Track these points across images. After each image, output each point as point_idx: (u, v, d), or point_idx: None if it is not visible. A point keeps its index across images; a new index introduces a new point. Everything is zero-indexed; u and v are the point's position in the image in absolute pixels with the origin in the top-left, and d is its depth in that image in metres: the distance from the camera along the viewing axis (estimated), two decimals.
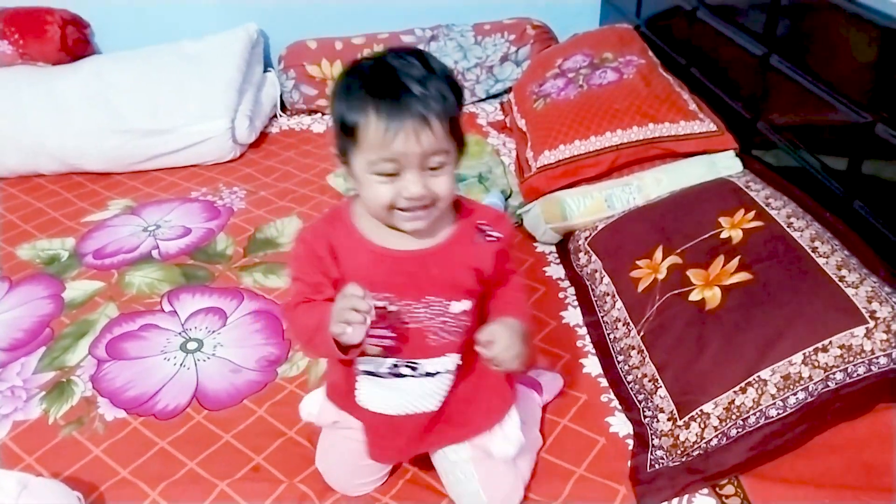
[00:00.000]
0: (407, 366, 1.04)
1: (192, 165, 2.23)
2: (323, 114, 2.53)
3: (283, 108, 2.56)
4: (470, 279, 1.02)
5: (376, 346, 1.00)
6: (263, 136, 2.40)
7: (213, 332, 1.52)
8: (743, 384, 1.14)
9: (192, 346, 1.49)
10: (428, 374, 1.05)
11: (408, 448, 1.14)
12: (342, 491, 1.17)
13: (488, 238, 1.03)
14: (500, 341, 0.98)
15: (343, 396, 1.11)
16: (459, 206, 1.03)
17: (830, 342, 1.12)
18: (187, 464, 1.23)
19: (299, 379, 1.40)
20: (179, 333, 1.52)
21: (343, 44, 2.54)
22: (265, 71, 2.57)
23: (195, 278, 1.69)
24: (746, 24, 1.70)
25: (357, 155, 0.91)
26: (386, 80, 0.89)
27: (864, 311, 1.13)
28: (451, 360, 1.06)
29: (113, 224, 1.94)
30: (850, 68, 1.35)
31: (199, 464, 1.23)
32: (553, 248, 1.76)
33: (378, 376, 1.06)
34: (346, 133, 0.91)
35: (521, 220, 1.80)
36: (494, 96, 2.55)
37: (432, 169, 0.91)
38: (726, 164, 1.69)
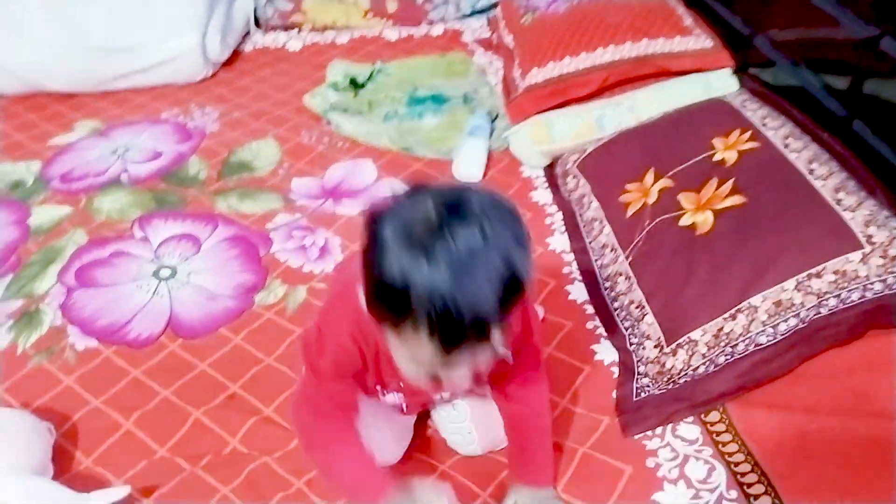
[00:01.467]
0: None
1: (162, 85, 2.11)
2: (299, 29, 2.40)
3: (257, 23, 2.43)
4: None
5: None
6: (236, 54, 2.28)
7: (187, 258, 1.47)
8: (733, 311, 1.10)
9: (165, 273, 1.43)
10: None
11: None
12: (386, 460, 1.04)
13: None
14: None
15: None
16: None
17: (825, 267, 1.08)
18: (161, 393, 1.20)
19: (277, 306, 1.36)
20: (152, 260, 1.47)
21: None
22: None
23: (167, 203, 1.62)
24: None
25: (394, 338, 0.76)
26: (446, 311, 0.68)
27: (860, 235, 1.09)
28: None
29: (80, 147, 1.85)
30: None
31: (173, 393, 1.20)
32: (541, 173, 1.70)
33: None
34: (383, 308, 0.73)
35: (508, 143, 1.73)
36: (481, 11, 2.42)
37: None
38: (722, 83, 1.61)
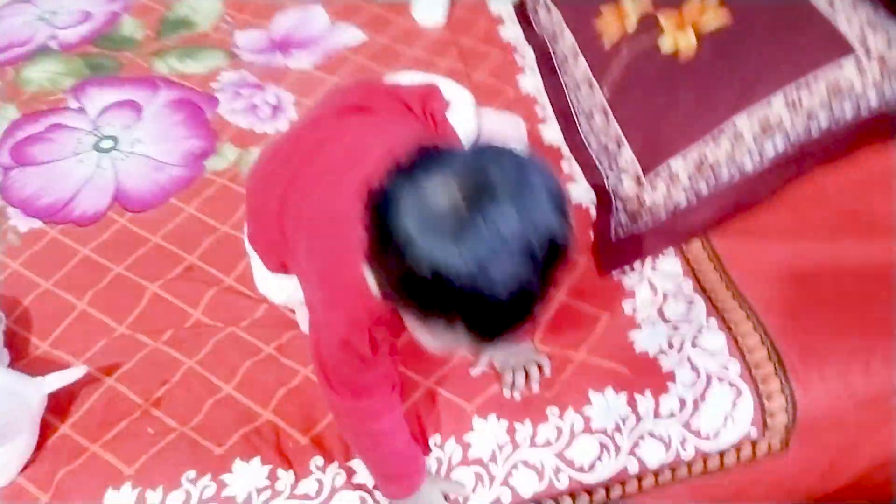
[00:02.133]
0: None
1: None
2: None
3: None
4: None
5: None
6: None
7: (129, 127, 1.35)
8: (715, 132, 1.02)
9: (106, 144, 1.32)
10: None
11: None
12: None
13: None
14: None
15: None
16: None
17: (815, 79, 0.98)
18: (114, 269, 1.13)
19: (230, 171, 1.26)
20: (91, 132, 1.35)
21: None
22: None
23: (102, 69, 1.48)
24: None
25: (423, 325, 0.66)
26: (491, 301, 0.59)
27: (854, 40, 0.99)
28: None
29: (1, 15, 1.67)
30: None
31: (127, 268, 1.13)
32: (510, 7, 1.55)
33: None
34: (413, 306, 0.64)
35: None
36: None
37: None
38: None
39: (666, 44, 1.14)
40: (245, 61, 1.47)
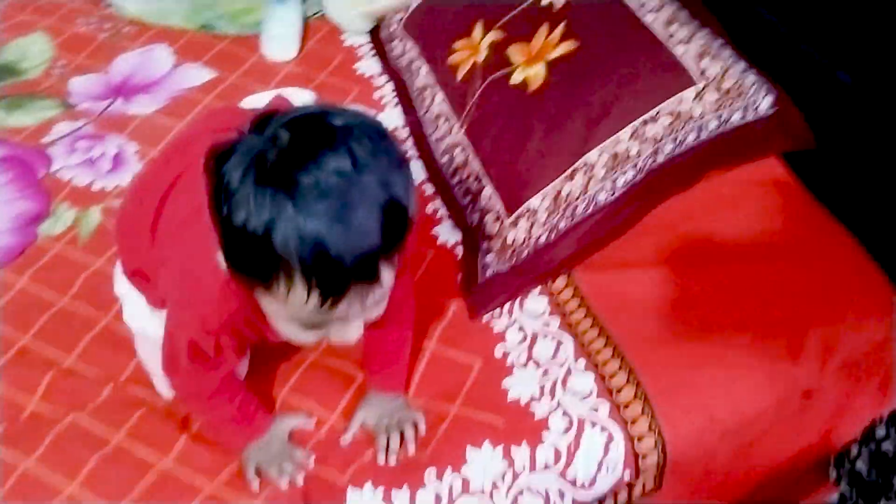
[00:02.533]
0: None
1: None
2: None
3: None
4: None
5: None
6: None
7: None
8: (569, 171, 1.02)
9: None
10: None
11: None
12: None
13: None
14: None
15: None
16: None
17: (658, 111, 1.01)
18: None
19: (67, 235, 1.15)
20: None
21: None
22: None
23: None
24: None
25: (267, 299, 0.63)
26: (328, 251, 0.56)
27: (693, 70, 1.02)
28: None
29: None
30: None
31: None
32: (365, 40, 1.51)
33: None
34: (246, 266, 0.60)
35: (322, 6, 1.52)
36: None
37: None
38: None
39: (515, 75, 1.14)
40: (81, 110, 1.35)
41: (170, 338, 0.81)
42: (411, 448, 0.88)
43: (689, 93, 1.00)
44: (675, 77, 1.01)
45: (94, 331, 1.03)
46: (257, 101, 1.01)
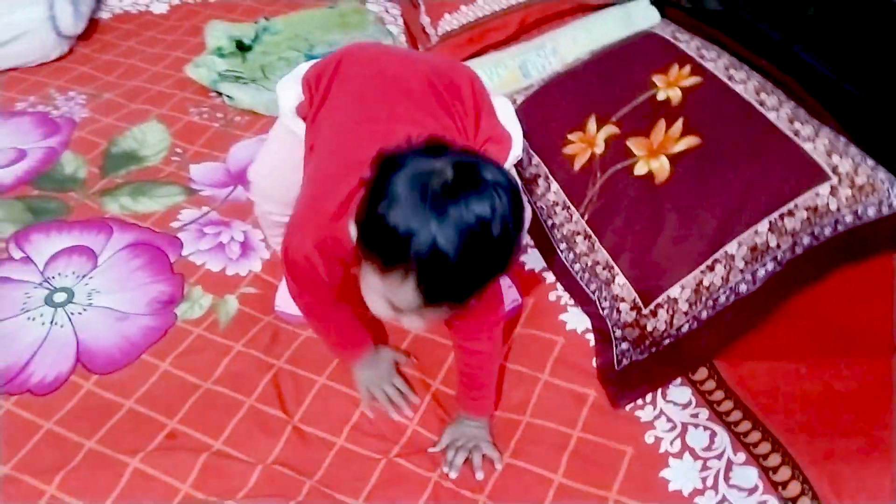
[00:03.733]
0: None
1: (10, 70, 1.79)
2: None
3: None
4: None
5: None
6: (93, 24, 1.97)
7: (84, 276, 1.25)
8: (710, 262, 1.05)
9: (59, 297, 1.22)
10: None
11: None
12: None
13: None
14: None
15: None
16: None
17: (795, 205, 1.04)
18: (85, 444, 1.02)
19: (206, 321, 1.18)
20: (41, 284, 1.24)
21: None
22: None
23: (46, 213, 1.38)
24: None
25: (375, 275, 0.76)
26: (437, 269, 0.70)
27: (825, 166, 1.06)
28: None
29: None
30: None
31: (99, 442, 1.02)
32: None
33: None
34: (378, 248, 0.74)
35: None
36: None
37: None
38: (643, 14, 1.54)
39: (639, 167, 1.19)
40: (204, 196, 1.41)
41: (288, 246, 0.91)
42: (479, 475, 0.97)
43: (824, 188, 1.04)
44: (809, 173, 1.05)
45: (239, 413, 1.05)
46: None
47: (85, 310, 1.20)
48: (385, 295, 0.77)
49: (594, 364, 1.09)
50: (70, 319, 1.18)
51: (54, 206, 1.39)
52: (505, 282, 1.20)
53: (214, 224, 1.35)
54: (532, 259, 1.27)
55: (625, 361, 1.07)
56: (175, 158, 1.51)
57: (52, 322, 1.18)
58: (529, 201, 1.34)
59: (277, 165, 1.09)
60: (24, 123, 1.62)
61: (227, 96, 1.64)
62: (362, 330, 1.06)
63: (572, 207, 1.25)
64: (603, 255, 1.16)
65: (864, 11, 1.10)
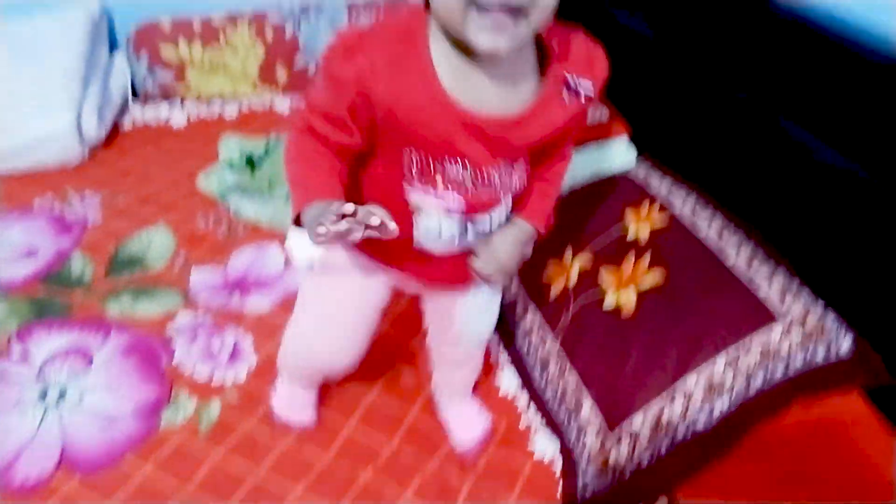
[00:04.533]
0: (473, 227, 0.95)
1: (31, 171, 1.91)
2: (183, 99, 2.27)
3: (135, 95, 2.28)
4: (542, 143, 0.91)
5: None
6: (115, 131, 2.11)
7: (78, 376, 1.31)
8: (670, 395, 1.11)
9: (53, 395, 1.27)
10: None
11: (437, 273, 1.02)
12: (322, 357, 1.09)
13: (578, 95, 0.87)
14: (488, 256, 0.97)
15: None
16: (542, 41, 0.84)
17: (750, 344, 1.11)
18: None
19: (189, 426, 1.23)
20: (36, 381, 1.30)
21: (202, 23, 2.28)
22: (111, 53, 2.27)
23: (50, 311, 1.46)
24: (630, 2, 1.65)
25: None
26: None
27: (778, 308, 1.13)
28: (502, 216, 0.98)
29: None
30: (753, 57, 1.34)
31: None
32: None
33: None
34: None
35: None
36: None
37: None
38: (621, 152, 1.66)
39: (608, 300, 1.27)
40: (201, 302, 1.49)
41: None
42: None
43: (777, 330, 1.11)
44: (763, 314, 1.12)
45: None
46: None
47: (75, 409, 1.25)
48: None
49: (559, 493, 1.13)
50: (60, 418, 1.23)
51: (58, 304, 1.47)
52: (474, 407, 1.26)
53: (207, 329, 1.42)
54: (505, 381, 1.33)
55: (588, 492, 1.11)
56: (177, 263, 1.59)
57: (41, 420, 1.23)
58: (511, 324, 1.41)
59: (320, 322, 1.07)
60: (39, 222, 1.72)
61: (234, 208, 1.74)
62: (338, 187, 0.85)
63: (548, 332, 1.32)
64: (573, 381, 1.22)
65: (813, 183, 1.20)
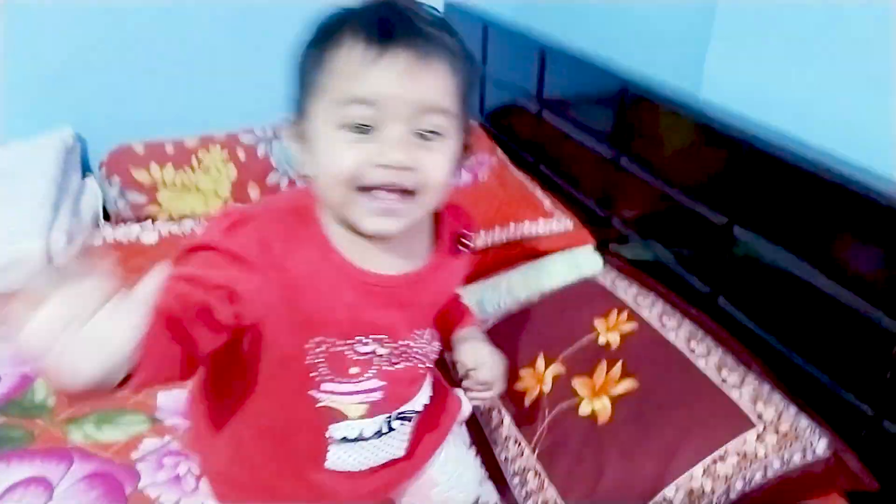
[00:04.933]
0: (399, 418, 0.88)
1: None
2: (154, 220, 2.29)
3: (106, 217, 2.30)
4: (445, 298, 0.91)
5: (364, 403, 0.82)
6: (84, 248, 2.12)
7: None
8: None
9: None
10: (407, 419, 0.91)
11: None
12: None
13: (467, 247, 0.89)
14: (486, 363, 0.96)
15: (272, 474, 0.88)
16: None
17: (727, 451, 1.11)
18: None
19: None
20: None
21: (174, 146, 2.35)
22: (83, 177, 2.31)
23: (10, 441, 1.40)
24: (593, 126, 1.75)
25: (318, 103, 0.68)
26: (380, 9, 0.67)
27: (751, 413, 1.14)
28: (426, 394, 0.93)
29: None
30: (703, 172, 1.41)
31: None
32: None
33: (361, 440, 0.86)
34: (307, 77, 0.68)
35: None
36: None
37: (424, 136, 0.68)
38: (587, 260, 1.71)
39: (583, 407, 1.26)
40: (168, 426, 1.44)
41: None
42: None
43: (751, 435, 1.11)
44: (736, 420, 1.13)
45: None
46: None
47: None
48: (335, 102, 0.66)
49: None
50: None
51: (19, 434, 1.42)
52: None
53: (173, 455, 1.37)
54: (484, 495, 1.30)
55: None
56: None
57: None
58: (487, 435, 1.39)
59: None
60: (2, 348, 1.68)
61: None
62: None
63: (524, 442, 1.30)
64: (553, 493, 1.20)
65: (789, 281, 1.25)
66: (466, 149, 0.77)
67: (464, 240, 0.88)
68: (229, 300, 0.66)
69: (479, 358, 0.97)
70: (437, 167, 0.70)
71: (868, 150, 1.11)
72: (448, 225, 0.86)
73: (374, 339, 0.79)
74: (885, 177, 1.06)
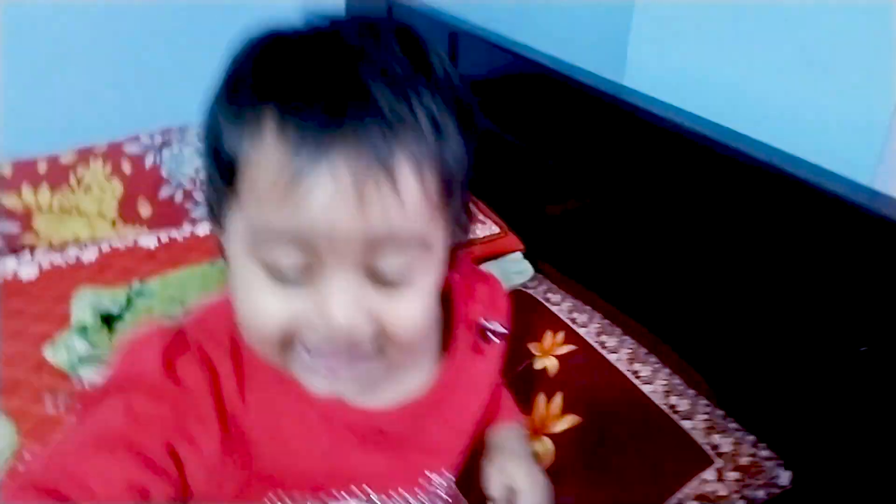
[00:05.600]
0: None
1: None
2: (32, 250, 2.03)
3: None
4: (475, 420, 0.67)
5: None
6: None
7: None
8: None
9: None
10: None
11: None
12: None
13: (494, 339, 0.66)
14: (523, 490, 0.71)
15: None
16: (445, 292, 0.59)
17: (685, 493, 0.99)
18: None
19: None
20: None
21: (48, 164, 2.08)
22: None
23: None
24: (512, 115, 1.60)
25: (232, 214, 0.48)
26: (319, 69, 0.42)
27: (707, 447, 1.03)
28: None
29: None
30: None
31: None
32: None
33: None
34: (216, 161, 0.47)
35: None
36: None
37: (383, 280, 0.47)
38: (517, 268, 1.57)
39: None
40: None
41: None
42: None
43: (710, 473, 1.00)
44: (692, 456, 1.02)
45: None
46: None
47: None
48: (253, 230, 0.45)
49: None
50: None
51: None
52: None
53: None
54: None
55: None
56: (21, 463, 1.34)
57: None
58: None
59: None
60: None
61: (88, 383, 1.51)
62: None
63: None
64: None
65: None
66: (459, 248, 0.54)
67: (490, 329, 0.66)
68: (173, 444, 0.49)
69: (513, 484, 0.74)
70: (405, 318, 0.49)
71: (802, 135, 1.00)
72: (463, 315, 0.64)
73: (352, 495, 0.57)
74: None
